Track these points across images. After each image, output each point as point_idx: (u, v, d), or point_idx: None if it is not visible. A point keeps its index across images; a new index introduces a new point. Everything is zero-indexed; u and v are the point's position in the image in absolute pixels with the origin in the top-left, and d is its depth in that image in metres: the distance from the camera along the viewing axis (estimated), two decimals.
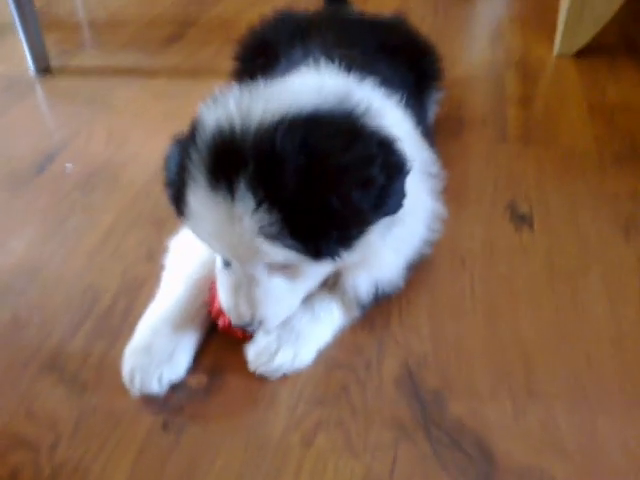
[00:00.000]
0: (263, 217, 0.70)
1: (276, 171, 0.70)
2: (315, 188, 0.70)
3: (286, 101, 0.74)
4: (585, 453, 0.76)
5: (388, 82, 0.98)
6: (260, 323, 0.81)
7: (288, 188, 0.70)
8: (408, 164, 0.78)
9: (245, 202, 0.70)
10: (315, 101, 0.76)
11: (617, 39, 1.82)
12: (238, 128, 0.72)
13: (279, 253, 0.73)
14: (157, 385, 0.81)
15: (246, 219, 0.71)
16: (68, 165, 1.31)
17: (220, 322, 0.87)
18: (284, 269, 0.79)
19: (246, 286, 0.79)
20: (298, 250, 0.73)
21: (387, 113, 0.84)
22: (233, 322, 0.82)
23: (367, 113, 0.77)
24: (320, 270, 0.83)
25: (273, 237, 0.71)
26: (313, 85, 0.84)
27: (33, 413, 0.81)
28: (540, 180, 1.24)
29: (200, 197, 0.73)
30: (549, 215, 1.14)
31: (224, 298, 0.82)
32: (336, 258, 0.76)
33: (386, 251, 0.82)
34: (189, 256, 0.94)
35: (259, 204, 0.70)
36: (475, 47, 1.88)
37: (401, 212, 0.79)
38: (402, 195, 0.77)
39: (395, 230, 0.82)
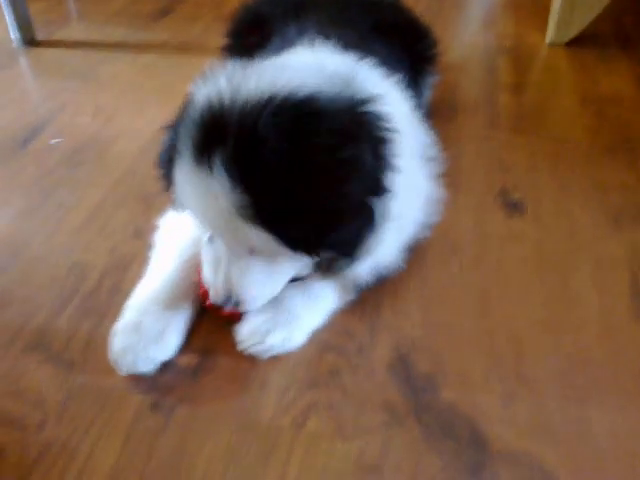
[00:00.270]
0: (238, 198, 0.68)
1: (254, 152, 0.68)
2: (292, 178, 0.68)
3: (281, 80, 0.72)
4: (574, 439, 0.76)
5: (384, 63, 0.96)
6: (237, 303, 0.80)
7: (264, 172, 0.68)
8: (395, 163, 0.77)
9: (221, 181, 0.68)
10: (316, 82, 0.73)
11: (609, 30, 1.82)
12: (225, 105, 0.70)
13: (254, 238, 0.72)
14: (145, 365, 0.80)
15: (222, 198, 0.69)
16: (56, 140, 1.28)
17: (208, 300, 0.85)
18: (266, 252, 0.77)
19: (226, 264, 0.79)
20: (273, 238, 0.72)
21: (386, 95, 0.82)
22: (210, 298, 0.81)
23: (371, 100, 0.75)
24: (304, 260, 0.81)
25: (248, 220, 0.70)
26: (313, 64, 0.82)
27: (19, 392, 0.80)
28: (531, 168, 1.24)
29: (184, 171, 0.73)
30: (540, 203, 1.14)
31: (205, 273, 0.82)
32: (313, 255, 0.75)
33: (385, 235, 0.81)
34: (179, 234, 0.92)
35: (235, 184, 0.68)
36: (467, 32, 1.87)
37: (399, 195, 0.78)
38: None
39: (393, 213, 0.81)
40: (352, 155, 0.71)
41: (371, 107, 0.75)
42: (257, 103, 0.69)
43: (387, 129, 0.76)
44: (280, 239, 0.72)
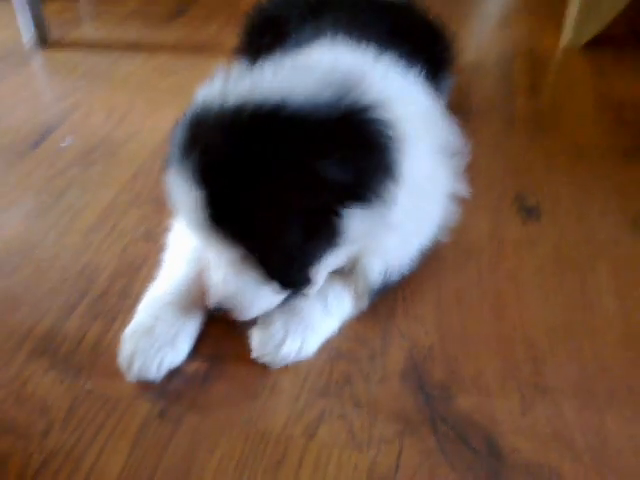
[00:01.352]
0: (202, 204, 0.70)
1: (214, 160, 0.69)
2: (238, 188, 0.68)
3: (266, 86, 0.72)
4: (594, 451, 0.74)
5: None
6: (228, 310, 0.79)
7: (219, 179, 0.69)
8: (397, 171, 0.74)
9: (190, 188, 0.70)
10: (308, 88, 0.71)
11: (625, 32, 1.79)
12: (209, 111, 0.71)
13: (223, 249, 0.73)
14: (156, 370, 0.78)
15: (193, 205, 0.70)
16: (67, 139, 1.27)
17: None
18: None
19: (219, 269, 0.78)
20: (231, 247, 0.72)
21: (401, 93, 0.81)
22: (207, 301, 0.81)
23: (367, 107, 0.72)
24: None
25: (211, 226, 0.71)
26: (321, 66, 0.79)
27: (23, 398, 0.78)
28: (548, 172, 1.21)
29: (169, 174, 0.74)
30: (557, 208, 1.12)
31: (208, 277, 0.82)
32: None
33: (397, 237, 0.79)
34: (192, 236, 0.90)
35: (198, 190, 0.69)
36: (482, 35, 1.84)
37: (414, 198, 0.76)
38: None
39: (413, 213, 0.79)
40: (297, 168, 0.68)
41: (366, 114, 0.72)
42: (232, 110, 0.69)
43: (384, 137, 0.73)
44: (236, 248, 0.72)
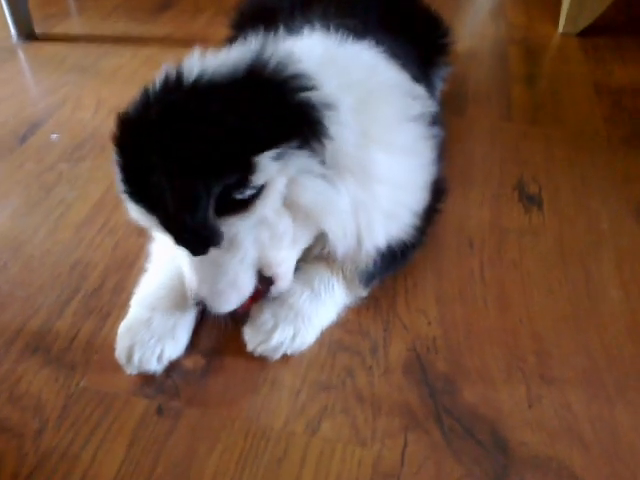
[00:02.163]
0: (124, 186, 0.72)
1: (124, 147, 0.71)
2: (143, 165, 0.68)
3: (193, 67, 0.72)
4: (604, 443, 0.72)
5: (394, 55, 0.91)
6: (201, 301, 0.78)
7: (129, 162, 0.71)
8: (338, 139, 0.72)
9: (117, 173, 0.73)
10: (218, 62, 0.73)
11: (623, 19, 1.78)
12: (144, 90, 0.72)
13: (142, 218, 0.73)
14: (156, 363, 0.76)
15: (120, 186, 0.73)
16: (54, 135, 1.24)
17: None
18: None
19: (186, 263, 0.78)
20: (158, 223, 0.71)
21: (343, 60, 0.81)
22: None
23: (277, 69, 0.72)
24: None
25: (133, 202, 0.72)
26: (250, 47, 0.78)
27: (17, 396, 0.76)
28: (548, 160, 1.20)
29: None
30: (558, 196, 1.10)
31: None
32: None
33: (348, 200, 0.75)
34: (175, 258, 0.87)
35: (120, 174, 0.72)
36: (477, 22, 1.82)
37: (374, 160, 0.76)
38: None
39: (372, 178, 0.76)
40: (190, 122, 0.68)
41: (271, 73, 0.72)
42: (147, 89, 0.72)
43: (292, 90, 0.71)
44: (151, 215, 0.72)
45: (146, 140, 0.68)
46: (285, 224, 0.75)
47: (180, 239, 0.71)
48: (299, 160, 0.71)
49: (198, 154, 0.67)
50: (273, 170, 0.69)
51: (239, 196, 0.70)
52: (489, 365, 0.81)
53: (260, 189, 0.70)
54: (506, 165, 1.18)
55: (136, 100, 0.72)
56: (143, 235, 0.97)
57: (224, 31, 1.31)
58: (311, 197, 0.73)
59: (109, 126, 1.23)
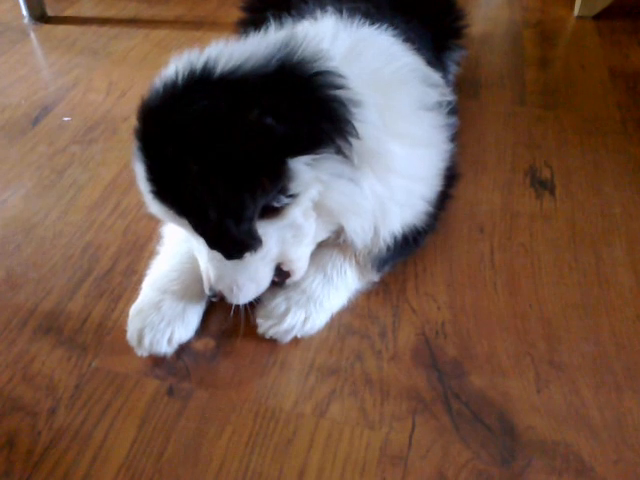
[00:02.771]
0: (147, 178, 0.70)
1: (152, 143, 0.69)
2: (178, 167, 0.66)
3: (217, 57, 0.70)
4: (611, 428, 0.72)
5: (407, 39, 0.90)
6: (217, 294, 0.78)
7: (160, 162, 0.68)
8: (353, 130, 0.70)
9: (140, 169, 0.70)
10: (246, 52, 0.70)
11: (638, 1, 1.74)
12: (152, 94, 0.71)
13: (167, 217, 0.72)
14: (166, 345, 0.77)
15: (145, 184, 0.71)
16: (66, 118, 1.25)
17: None
18: None
19: (202, 256, 0.78)
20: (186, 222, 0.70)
21: (365, 49, 0.79)
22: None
23: (307, 62, 0.70)
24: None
25: (159, 203, 0.70)
26: (271, 35, 0.77)
27: (30, 376, 0.77)
28: (560, 145, 1.18)
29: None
30: (570, 181, 1.09)
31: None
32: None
33: (372, 197, 0.75)
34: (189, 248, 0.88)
35: (146, 172, 0.70)
36: (491, 5, 1.80)
37: (392, 150, 0.75)
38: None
39: (393, 169, 0.76)
40: (224, 120, 0.66)
41: (301, 67, 0.70)
42: (169, 80, 0.69)
43: (324, 88, 0.70)
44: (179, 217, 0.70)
45: (179, 143, 0.66)
46: (310, 224, 0.76)
47: (218, 245, 0.71)
48: (332, 165, 0.71)
49: (241, 163, 0.65)
50: (310, 177, 0.69)
51: (276, 204, 0.70)
52: (498, 350, 0.81)
53: (294, 195, 0.70)
54: (518, 149, 1.17)
55: (158, 91, 0.70)
56: (154, 218, 0.98)
57: (235, 13, 1.30)
58: (340, 200, 0.74)
59: (120, 109, 1.27)
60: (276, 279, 0.80)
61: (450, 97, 0.89)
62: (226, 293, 0.77)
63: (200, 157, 0.64)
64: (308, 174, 0.69)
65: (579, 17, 1.66)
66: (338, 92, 0.70)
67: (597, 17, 1.65)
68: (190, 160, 0.64)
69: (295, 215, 0.72)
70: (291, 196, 0.69)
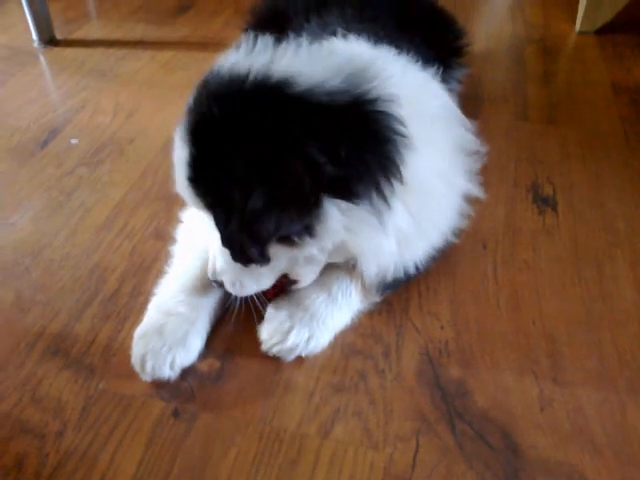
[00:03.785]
0: (187, 166, 0.71)
1: (205, 131, 0.69)
2: (223, 164, 0.67)
3: (283, 65, 0.69)
4: (616, 445, 0.72)
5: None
6: (221, 284, 0.80)
7: (204, 145, 0.69)
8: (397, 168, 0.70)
9: (181, 146, 0.71)
10: (320, 74, 0.68)
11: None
12: (216, 77, 0.71)
13: (193, 202, 0.73)
14: (169, 370, 0.77)
15: (180, 162, 0.72)
16: (73, 140, 1.27)
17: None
18: None
19: (215, 243, 0.79)
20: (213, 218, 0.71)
21: (418, 89, 0.79)
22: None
23: (380, 103, 0.69)
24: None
25: (191, 190, 0.72)
26: (335, 56, 0.75)
27: (38, 398, 0.78)
28: (563, 160, 1.19)
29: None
30: (573, 197, 1.10)
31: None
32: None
33: (395, 240, 0.75)
34: (202, 229, 0.89)
35: (187, 155, 0.70)
36: (493, 22, 1.81)
37: (430, 193, 0.74)
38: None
39: (417, 218, 0.76)
40: (279, 141, 0.65)
41: (374, 107, 0.69)
42: (236, 79, 0.69)
43: (390, 133, 0.69)
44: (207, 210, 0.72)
45: (235, 145, 0.66)
46: (325, 255, 0.77)
47: (228, 246, 0.73)
48: (364, 215, 0.70)
49: (280, 186, 0.65)
50: (339, 226, 0.70)
51: (296, 239, 0.71)
52: (501, 367, 0.81)
53: (317, 237, 0.70)
54: (521, 165, 1.18)
55: (224, 79, 0.69)
56: (160, 239, 0.99)
57: (241, 34, 1.32)
58: (363, 245, 0.74)
59: (127, 130, 1.29)
60: (283, 280, 0.83)
61: (482, 148, 0.91)
62: (227, 285, 0.79)
63: (249, 167, 0.65)
64: (338, 223, 0.69)
65: (581, 32, 1.67)
66: (398, 139, 0.69)
67: (599, 32, 1.66)
68: (239, 165, 0.65)
69: (312, 251, 0.73)
70: (314, 236, 0.70)
